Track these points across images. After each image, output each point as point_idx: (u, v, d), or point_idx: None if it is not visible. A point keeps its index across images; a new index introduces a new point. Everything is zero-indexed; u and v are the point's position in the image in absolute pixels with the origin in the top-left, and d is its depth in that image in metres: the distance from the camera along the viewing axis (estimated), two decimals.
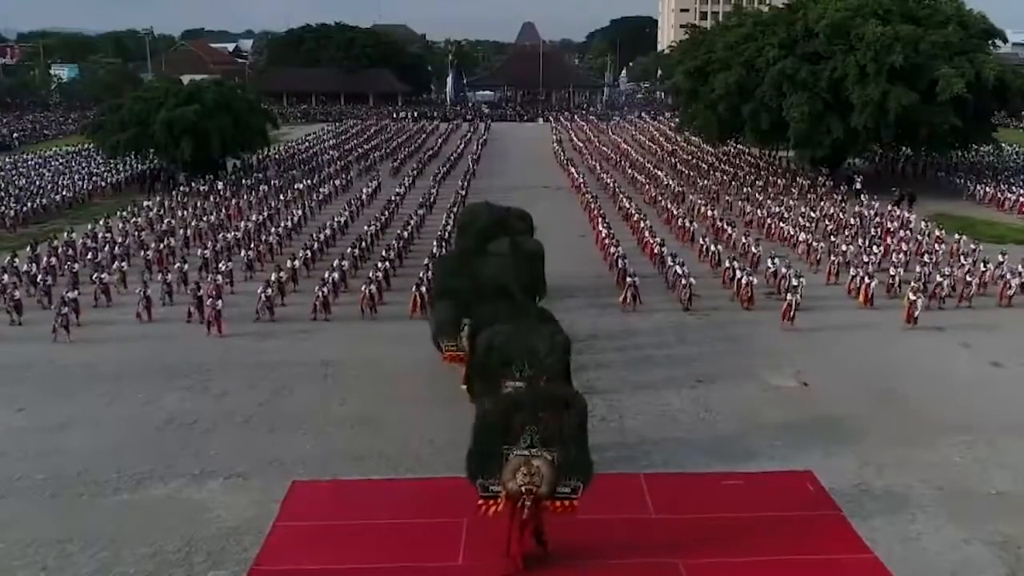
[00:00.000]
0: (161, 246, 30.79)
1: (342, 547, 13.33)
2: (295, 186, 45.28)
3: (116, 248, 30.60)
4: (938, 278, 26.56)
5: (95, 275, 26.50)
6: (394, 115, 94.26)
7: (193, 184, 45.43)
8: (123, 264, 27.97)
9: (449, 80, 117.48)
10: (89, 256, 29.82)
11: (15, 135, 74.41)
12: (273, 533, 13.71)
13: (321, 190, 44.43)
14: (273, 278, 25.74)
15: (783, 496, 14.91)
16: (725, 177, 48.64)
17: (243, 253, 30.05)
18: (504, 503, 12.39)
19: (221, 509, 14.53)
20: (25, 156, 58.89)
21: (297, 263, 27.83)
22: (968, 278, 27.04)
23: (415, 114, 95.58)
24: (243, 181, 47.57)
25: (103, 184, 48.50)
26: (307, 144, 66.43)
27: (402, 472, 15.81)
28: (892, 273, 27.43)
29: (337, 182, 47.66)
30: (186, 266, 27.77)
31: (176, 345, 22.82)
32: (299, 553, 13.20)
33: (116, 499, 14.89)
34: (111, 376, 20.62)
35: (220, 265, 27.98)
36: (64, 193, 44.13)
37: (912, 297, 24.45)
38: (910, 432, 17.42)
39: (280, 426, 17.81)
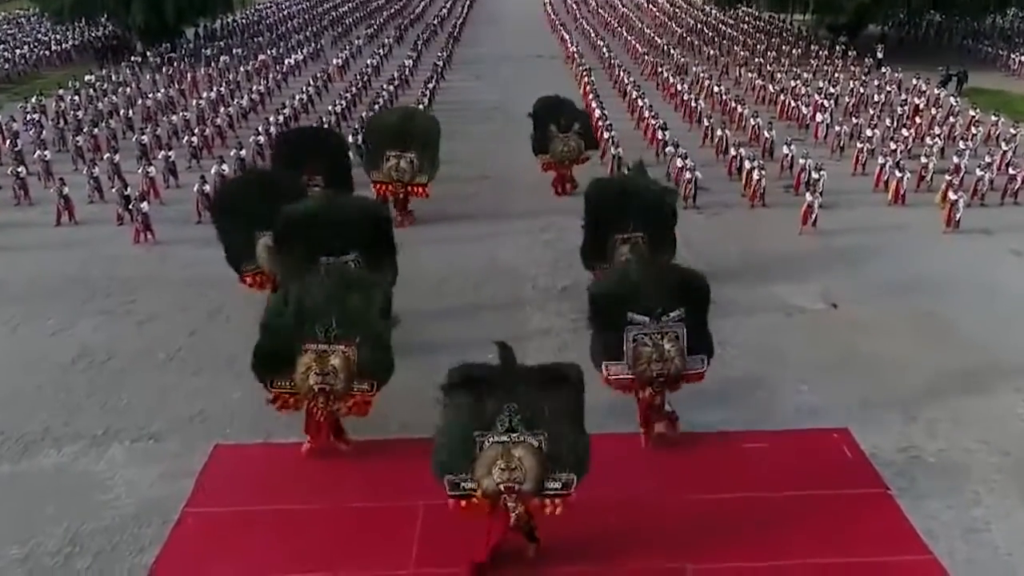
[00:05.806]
0: (96, 131, 26.97)
1: (262, 546, 10.57)
2: (259, 56, 40.82)
3: (42, 133, 26.68)
4: (977, 171, 23.21)
5: (12, 168, 22.93)
6: None
7: (148, 54, 40.95)
8: (45, 153, 24.02)
9: None
10: (8, 144, 26.00)
11: None
12: (180, 523, 10.95)
13: (288, 60, 40.04)
14: (214, 171, 22.12)
15: (815, 465, 12.14)
16: (734, 46, 44.19)
17: (185, 139, 26.25)
18: (484, 504, 9.68)
19: (122, 486, 11.72)
20: None
21: (245, 152, 24.11)
22: (1012, 170, 23.72)
23: None
24: (203, 51, 42.97)
25: (49, 54, 43.97)
26: (277, 7, 60.79)
27: (348, 431, 12.96)
28: (924, 162, 24.09)
29: (307, 50, 43.12)
30: (116, 156, 23.99)
31: (102, 255, 19.62)
32: (206, 556, 10.45)
33: None
34: (20, 297, 17.56)
35: (159, 154, 24.37)
36: (5, 65, 39.76)
37: (953, 197, 21.20)
38: (961, 373, 14.54)
39: (208, 365, 14.85)
